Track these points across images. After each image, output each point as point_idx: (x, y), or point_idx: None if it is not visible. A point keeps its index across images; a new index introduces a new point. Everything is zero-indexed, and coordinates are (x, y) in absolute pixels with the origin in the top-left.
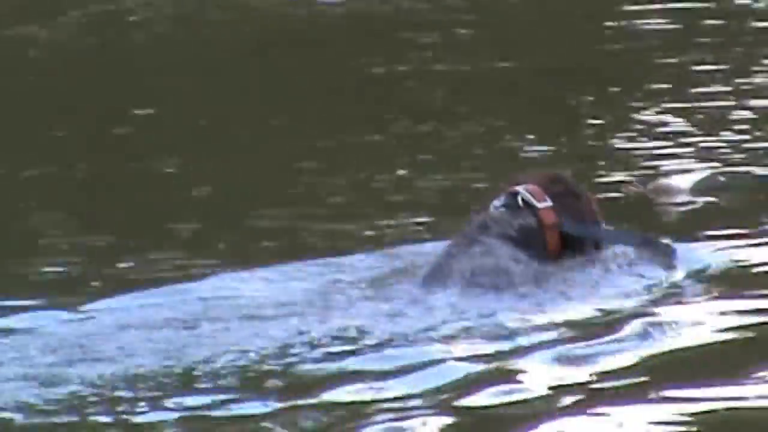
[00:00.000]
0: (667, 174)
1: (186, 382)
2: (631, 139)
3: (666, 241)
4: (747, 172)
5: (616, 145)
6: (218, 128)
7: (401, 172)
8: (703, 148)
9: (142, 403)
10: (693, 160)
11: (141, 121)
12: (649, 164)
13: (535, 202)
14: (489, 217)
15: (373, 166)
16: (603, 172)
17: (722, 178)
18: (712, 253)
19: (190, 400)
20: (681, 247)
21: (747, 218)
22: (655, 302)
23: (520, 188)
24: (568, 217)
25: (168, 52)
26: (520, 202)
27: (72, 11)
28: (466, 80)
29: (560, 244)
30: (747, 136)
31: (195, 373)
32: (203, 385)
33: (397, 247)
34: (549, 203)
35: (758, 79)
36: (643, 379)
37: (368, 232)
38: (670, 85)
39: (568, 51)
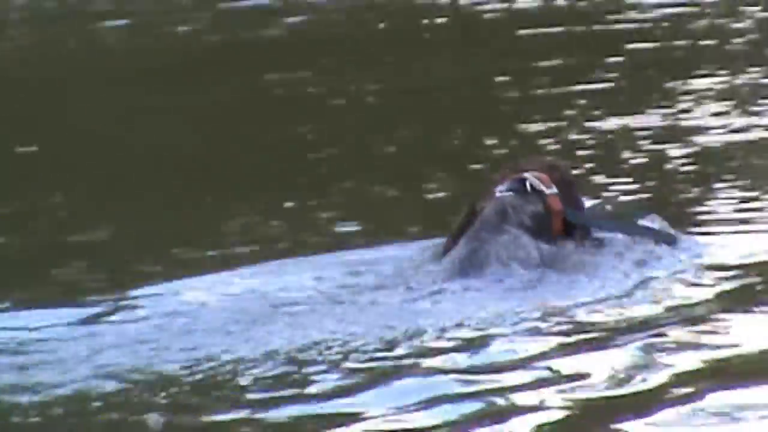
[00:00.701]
0: None
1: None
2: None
3: (669, 231)
4: (632, 202)
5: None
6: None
7: (288, 204)
8: (590, 181)
9: None
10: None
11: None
12: None
13: (544, 189)
14: (506, 203)
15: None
16: None
17: (609, 207)
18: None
19: None
20: (684, 238)
21: None
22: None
23: (528, 175)
24: (565, 203)
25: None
26: (528, 187)
27: None
28: (340, 105)
29: (563, 229)
30: (634, 171)
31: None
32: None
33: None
34: (555, 190)
35: (648, 117)
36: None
37: None
38: (559, 122)
39: (452, 75)
